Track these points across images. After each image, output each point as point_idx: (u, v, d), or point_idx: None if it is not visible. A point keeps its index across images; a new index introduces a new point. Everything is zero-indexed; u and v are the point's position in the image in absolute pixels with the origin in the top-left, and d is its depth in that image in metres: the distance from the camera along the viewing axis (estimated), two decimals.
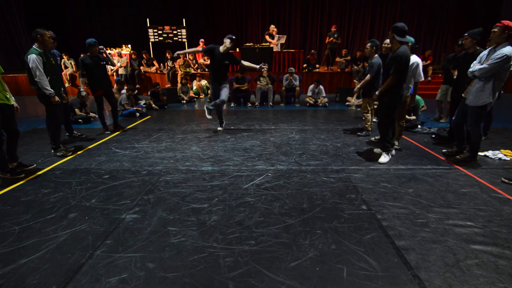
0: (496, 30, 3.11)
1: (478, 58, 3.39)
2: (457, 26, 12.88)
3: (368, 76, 4.51)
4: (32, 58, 3.50)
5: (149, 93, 7.76)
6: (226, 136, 4.91)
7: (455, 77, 4.65)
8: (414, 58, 3.93)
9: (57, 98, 3.76)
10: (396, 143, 4.30)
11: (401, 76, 3.36)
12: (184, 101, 8.48)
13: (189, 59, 9.75)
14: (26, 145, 4.39)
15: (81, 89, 4.80)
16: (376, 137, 4.45)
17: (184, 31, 11.00)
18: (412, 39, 3.85)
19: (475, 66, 3.33)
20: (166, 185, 3.10)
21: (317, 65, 10.04)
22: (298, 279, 1.79)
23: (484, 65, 3.18)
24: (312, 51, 10.30)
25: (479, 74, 3.24)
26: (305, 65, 10.07)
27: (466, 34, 3.92)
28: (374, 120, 5.83)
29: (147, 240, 2.18)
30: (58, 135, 3.98)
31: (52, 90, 3.70)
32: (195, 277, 1.81)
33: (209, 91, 8.63)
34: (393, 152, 3.80)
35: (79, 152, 4.15)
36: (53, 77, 3.80)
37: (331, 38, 10.17)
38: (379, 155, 3.80)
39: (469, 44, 3.89)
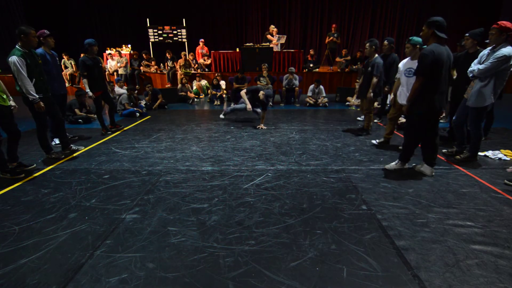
0: (494, 31, 3.12)
1: (478, 58, 3.39)
2: (457, 26, 12.87)
3: (374, 78, 4.49)
4: (13, 61, 3.27)
5: (144, 94, 7.78)
6: (226, 136, 4.91)
7: (454, 77, 4.66)
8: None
9: (42, 104, 3.50)
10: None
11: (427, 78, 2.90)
12: (195, 101, 8.53)
13: (189, 59, 9.74)
14: (26, 145, 4.39)
15: (88, 91, 4.79)
16: (378, 140, 4.41)
17: (184, 31, 10.99)
18: (420, 40, 3.78)
19: (475, 66, 3.34)
20: (166, 185, 3.10)
21: (311, 65, 10.02)
22: (298, 279, 1.79)
23: (483, 65, 3.18)
24: (311, 51, 10.30)
25: (478, 74, 3.25)
26: (305, 66, 10.07)
27: (467, 35, 3.92)
28: (375, 120, 5.84)
29: (147, 240, 2.18)
30: (46, 139, 3.84)
31: (36, 95, 3.44)
32: (195, 277, 1.81)
33: (208, 91, 8.68)
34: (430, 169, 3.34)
35: (78, 152, 4.16)
36: (40, 78, 3.56)
37: (331, 38, 10.18)
38: (385, 161, 3.73)
39: (470, 44, 3.89)
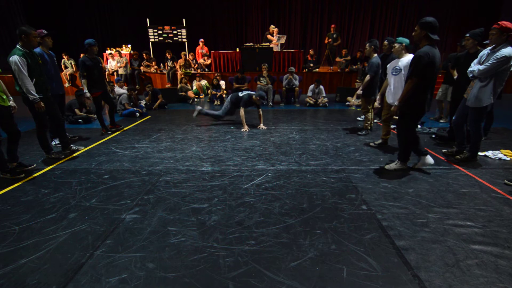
0: (494, 32, 3.12)
1: (478, 58, 3.39)
2: (457, 26, 12.88)
3: (368, 76, 4.54)
4: (14, 60, 3.26)
5: (144, 94, 7.78)
6: (226, 136, 4.91)
7: (455, 77, 4.66)
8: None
9: (42, 104, 3.51)
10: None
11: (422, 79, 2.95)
12: (195, 101, 8.52)
13: (189, 59, 9.74)
14: (26, 145, 4.39)
15: (85, 91, 4.80)
16: (376, 142, 4.41)
17: (184, 31, 10.99)
18: (406, 40, 3.86)
19: (475, 66, 3.34)
20: (166, 185, 3.10)
21: (311, 65, 10.02)
22: (298, 279, 1.79)
23: (484, 66, 3.18)
24: (311, 51, 10.30)
25: (478, 75, 3.25)
26: (305, 66, 10.07)
27: (467, 35, 3.93)
28: (375, 120, 5.84)
29: (147, 240, 2.18)
30: (46, 139, 3.84)
31: (36, 95, 3.45)
32: (195, 277, 1.81)
33: (208, 90, 8.68)
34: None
35: (78, 152, 4.16)
36: (40, 78, 3.56)
37: (330, 39, 10.18)
38: (385, 161, 3.73)
39: (470, 44, 3.90)
